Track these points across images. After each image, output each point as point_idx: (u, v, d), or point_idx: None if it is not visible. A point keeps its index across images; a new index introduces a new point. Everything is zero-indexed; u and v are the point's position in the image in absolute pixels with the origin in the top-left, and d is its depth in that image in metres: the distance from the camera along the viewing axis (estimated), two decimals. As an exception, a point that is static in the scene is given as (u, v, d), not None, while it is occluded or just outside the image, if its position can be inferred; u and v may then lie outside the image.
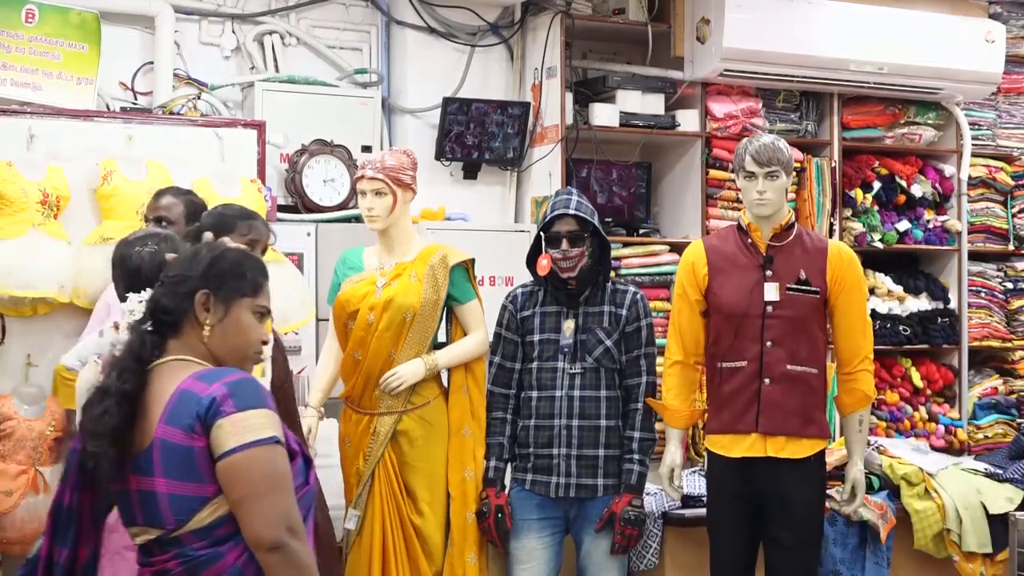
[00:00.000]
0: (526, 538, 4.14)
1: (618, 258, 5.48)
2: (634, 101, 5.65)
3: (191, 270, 2.46)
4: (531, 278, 4.27)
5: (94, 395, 2.39)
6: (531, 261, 4.22)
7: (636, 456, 4.10)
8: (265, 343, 2.54)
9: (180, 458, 2.31)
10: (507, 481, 4.26)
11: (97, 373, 3.15)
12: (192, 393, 2.32)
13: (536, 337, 4.18)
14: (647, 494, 4.57)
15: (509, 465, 4.25)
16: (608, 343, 4.13)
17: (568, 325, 4.14)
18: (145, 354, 2.41)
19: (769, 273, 4.09)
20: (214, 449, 2.30)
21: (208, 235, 2.79)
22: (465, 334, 4.29)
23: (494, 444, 4.19)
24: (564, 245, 4.08)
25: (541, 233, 4.16)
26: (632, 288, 4.23)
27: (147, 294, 3.14)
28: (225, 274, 2.47)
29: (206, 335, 2.43)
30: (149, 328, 2.44)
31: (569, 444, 4.08)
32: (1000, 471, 5.45)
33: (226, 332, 2.45)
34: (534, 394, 4.16)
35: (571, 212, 4.10)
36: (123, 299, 3.19)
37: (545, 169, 5.55)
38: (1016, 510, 5.21)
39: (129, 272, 3.19)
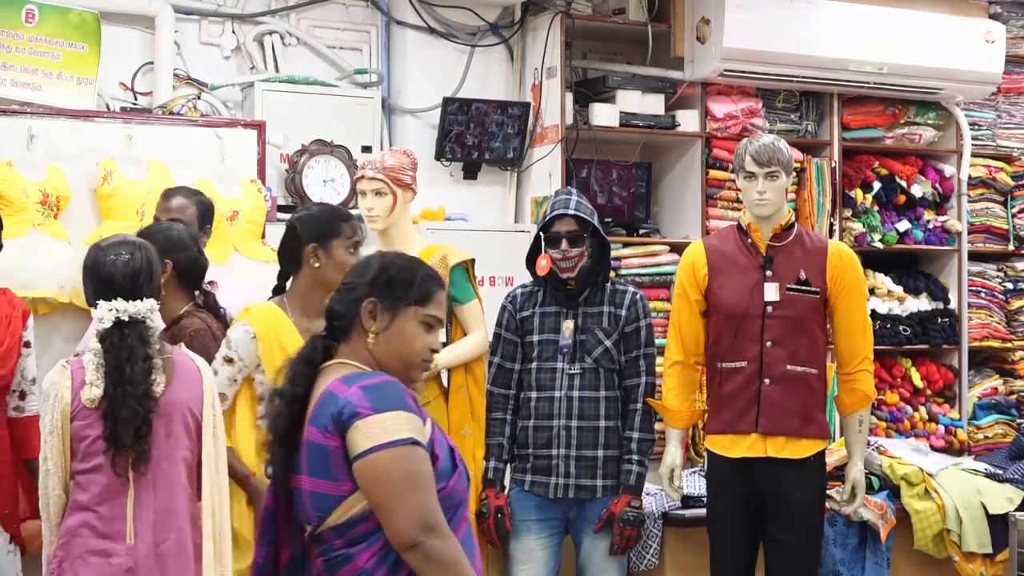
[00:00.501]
0: (525, 539, 4.14)
1: (618, 258, 5.47)
2: (634, 101, 5.65)
3: (361, 277, 2.52)
4: (531, 278, 4.27)
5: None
6: (530, 261, 4.21)
7: (635, 457, 4.10)
8: (435, 351, 2.58)
9: (319, 456, 2.37)
10: (506, 482, 4.26)
11: (61, 375, 3.16)
12: (334, 395, 2.39)
13: (535, 337, 4.18)
14: (647, 494, 4.57)
15: (508, 466, 4.24)
16: (607, 343, 4.13)
17: (567, 325, 4.14)
18: (316, 358, 2.49)
19: (769, 273, 4.09)
20: (350, 450, 2.35)
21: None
22: (465, 334, 4.29)
23: (493, 445, 4.18)
24: (564, 245, 4.07)
25: (541, 233, 4.16)
26: (631, 288, 4.22)
27: (118, 303, 3.16)
28: (393, 283, 2.51)
29: (371, 342, 2.48)
30: (323, 333, 2.52)
31: (568, 445, 4.08)
32: (1000, 471, 5.45)
33: (390, 340, 2.49)
34: (533, 395, 4.16)
35: (571, 212, 4.09)
36: (92, 304, 3.19)
37: (545, 169, 5.55)
38: (1016, 510, 5.21)
39: (101, 278, 3.18)
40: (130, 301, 3.15)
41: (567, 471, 4.08)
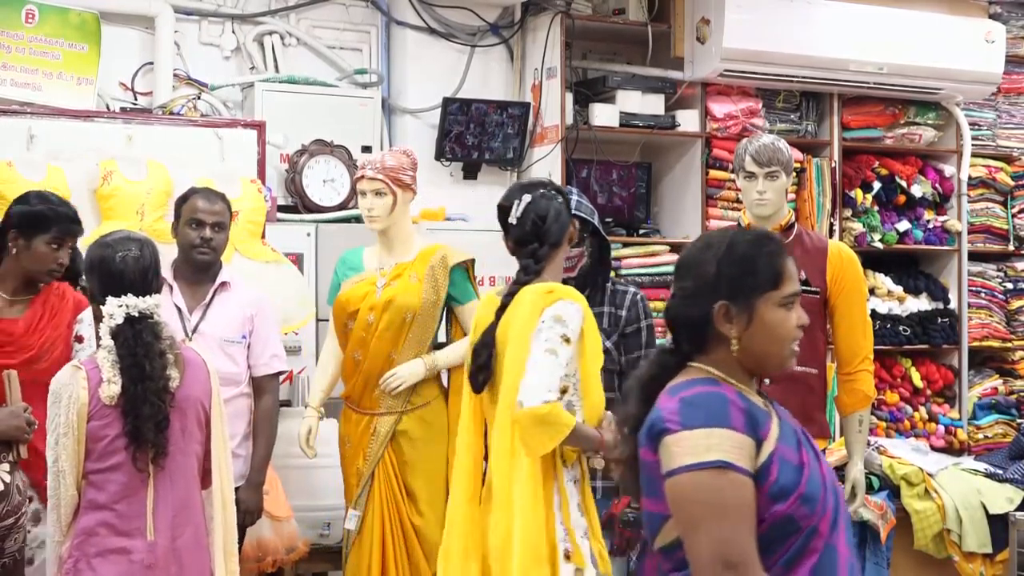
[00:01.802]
0: None
1: (618, 258, 5.47)
2: (634, 101, 5.65)
3: (700, 280, 2.22)
4: None
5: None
6: None
7: None
8: (802, 326, 2.29)
9: (648, 473, 2.20)
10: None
11: (74, 376, 3.15)
12: (656, 406, 2.20)
13: None
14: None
15: None
16: (607, 344, 4.09)
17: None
18: (665, 377, 2.25)
19: (769, 273, 4.09)
20: (662, 467, 2.14)
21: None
22: (465, 334, 4.28)
23: None
24: None
25: None
26: (632, 289, 4.19)
27: (128, 299, 3.16)
28: (736, 276, 2.21)
29: (735, 349, 2.22)
30: (669, 347, 2.27)
31: None
32: (1000, 471, 5.45)
33: (755, 339, 2.21)
34: None
35: (571, 212, 4.07)
36: (101, 301, 3.18)
37: (545, 169, 5.55)
38: (1016, 510, 5.21)
39: (112, 274, 3.18)
40: (140, 297, 3.16)
41: None
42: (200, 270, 4.05)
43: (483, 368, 3.29)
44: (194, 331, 3.98)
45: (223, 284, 4.09)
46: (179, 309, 3.99)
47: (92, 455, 3.13)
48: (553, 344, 3.15)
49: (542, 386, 3.10)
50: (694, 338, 2.23)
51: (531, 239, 3.33)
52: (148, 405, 3.09)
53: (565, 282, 4.08)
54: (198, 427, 3.25)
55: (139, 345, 3.11)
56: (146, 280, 3.20)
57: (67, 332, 3.79)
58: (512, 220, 3.35)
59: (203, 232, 4.00)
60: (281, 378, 4.31)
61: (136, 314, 3.14)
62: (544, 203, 3.33)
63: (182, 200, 4.08)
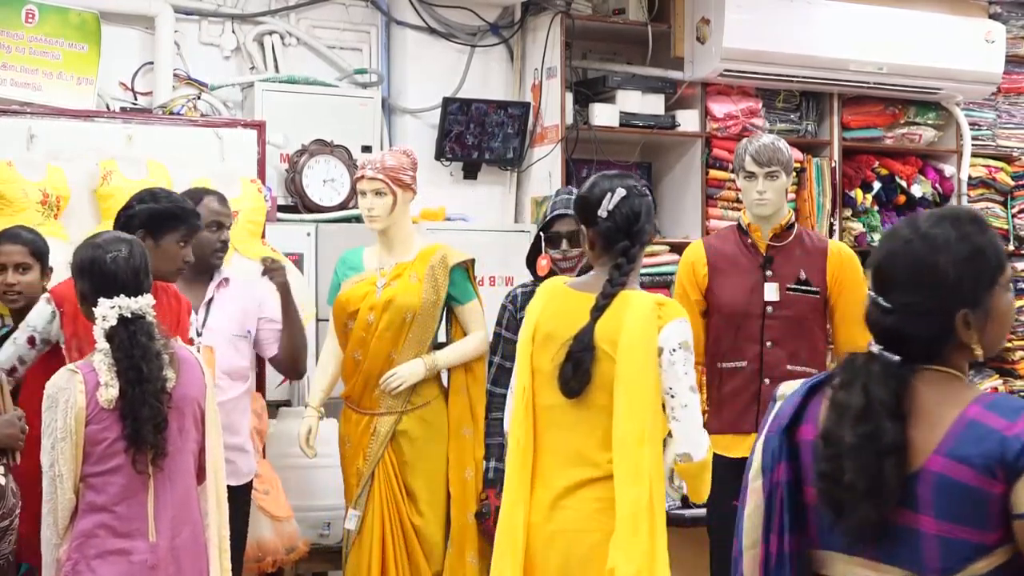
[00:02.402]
0: None
1: (618, 258, 5.47)
2: (634, 101, 5.65)
3: (936, 291, 1.95)
4: (531, 278, 4.25)
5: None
6: (531, 261, 4.17)
7: None
8: None
9: (963, 499, 1.88)
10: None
11: (71, 379, 3.14)
12: (989, 428, 1.88)
13: None
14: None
15: None
16: None
17: None
18: (903, 391, 1.96)
19: (769, 273, 4.09)
20: (1014, 503, 1.85)
21: None
22: (465, 334, 4.29)
23: (494, 445, 4.15)
24: (564, 245, 3.99)
25: (541, 233, 4.11)
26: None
27: (121, 300, 3.15)
28: (975, 276, 1.97)
29: (978, 354, 1.99)
30: (891, 358, 1.96)
31: None
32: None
33: (989, 333, 1.99)
34: None
35: (571, 212, 4.03)
36: (92, 303, 3.16)
37: (545, 169, 5.55)
38: (1016, 510, 5.21)
39: (104, 275, 3.17)
40: (132, 297, 3.14)
41: None
42: (205, 271, 4.05)
43: (583, 373, 3.04)
44: (203, 327, 3.98)
45: (224, 280, 4.10)
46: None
47: (91, 458, 3.11)
48: (692, 379, 3.06)
49: (699, 433, 3.07)
50: (928, 351, 1.98)
51: (623, 237, 3.11)
52: (147, 407, 3.07)
53: None
54: (195, 426, 3.23)
55: (135, 347, 3.09)
56: (138, 280, 3.18)
57: (184, 334, 3.71)
58: (602, 213, 3.11)
59: (223, 235, 4.01)
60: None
61: (129, 315, 3.13)
62: (638, 200, 3.13)
63: (193, 201, 4.03)
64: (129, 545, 3.10)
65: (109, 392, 3.08)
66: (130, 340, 3.10)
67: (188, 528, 3.19)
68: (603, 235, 3.12)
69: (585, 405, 3.05)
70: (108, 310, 3.13)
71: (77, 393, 3.10)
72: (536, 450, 3.11)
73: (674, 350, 3.01)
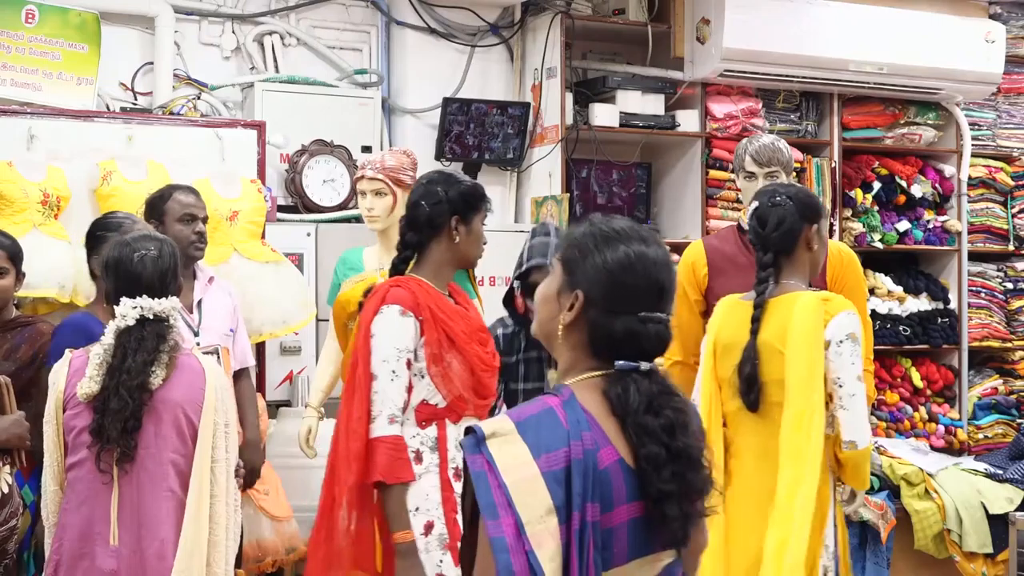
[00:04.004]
0: None
1: (618, 258, 5.47)
2: (634, 101, 5.65)
3: None
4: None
5: None
6: (508, 300, 3.98)
7: None
8: None
9: None
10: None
11: (62, 364, 3.12)
12: None
13: (520, 386, 3.93)
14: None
15: None
16: None
17: (552, 375, 3.88)
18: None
19: (769, 273, 4.08)
20: None
21: None
22: (465, 334, 4.27)
23: None
24: None
25: (517, 281, 3.88)
26: None
27: (144, 300, 3.08)
28: None
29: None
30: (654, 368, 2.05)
31: None
32: (1000, 471, 5.45)
33: None
34: None
35: (548, 262, 3.73)
36: (115, 302, 3.12)
37: (545, 169, 5.55)
38: (1016, 510, 5.22)
39: (129, 276, 3.11)
40: (156, 299, 3.09)
41: None
42: (186, 266, 4.04)
43: (756, 387, 3.28)
44: (199, 327, 3.99)
45: (210, 279, 4.11)
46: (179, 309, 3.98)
47: (67, 449, 3.06)
48: (859, 369, 3.23)
49: (865, 422, 3.21)
50: None
51: (761, 247, 3.40)
52: (117, 399, 2.99)
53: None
54: (176, 434, 3.08)
55: (139, 346, 3.04)
56: (164, 282, 3.12)
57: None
58: (745, 227, 3.48)
59: (197, 227, 4.01)
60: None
61: (151, 316, 3.07)
62: (767, 209, 3.36)
63: (160, 199, 4.04)
64: (91, 549, 3.03)
65: (90, 386, 3.02)
66: (138, 342, 3.05)
67: (157, 544, 3.03)
68: (754, 248, 3.42)
69: (766, 405, 3.27)
70: (129, 310, 3.07)
71: (61, 376, 3.08)
72: (728, 452, 3.37)
73: (841, 341, 3.19)
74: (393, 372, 3.17)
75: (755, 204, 3.38)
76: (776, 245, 3.35)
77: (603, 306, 1.96)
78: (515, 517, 1.86)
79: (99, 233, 3.79)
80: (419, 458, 3.26)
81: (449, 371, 3.23)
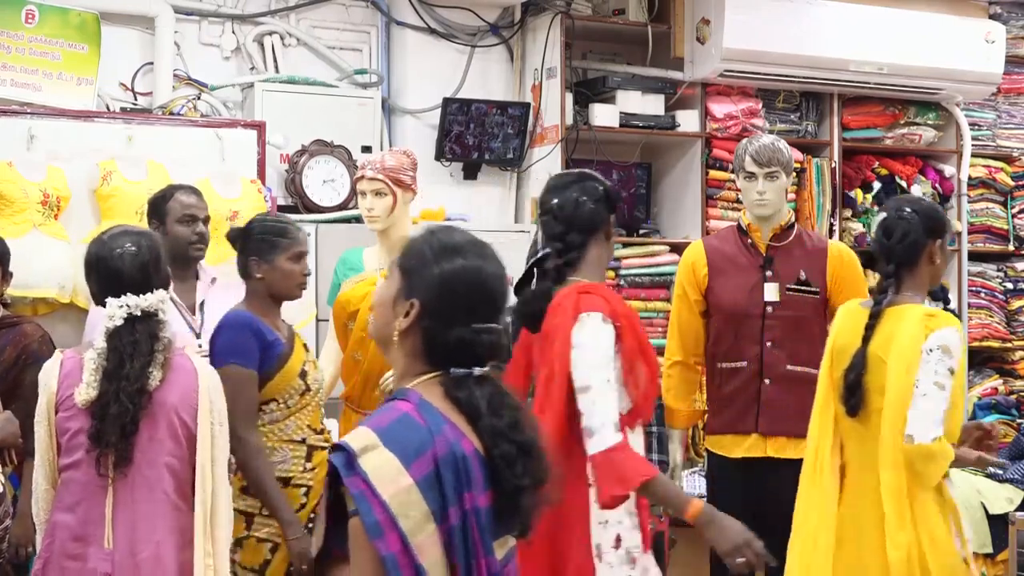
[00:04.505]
0: None
1: (618, 259, 5.48)
2: (634, 101, 5.65)
3: None
4: None
5: None
6: (519, 289, 4.00)
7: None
8: None
9: None
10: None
11: (53, 364, 3.10)
12: None
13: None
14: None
15: None
16: None
17: None
18: None
19: (769, 273, 4.09)
20: None
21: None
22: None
23: None
24: None
25: (534, 268, 3.93)
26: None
27: (129, 298, 3.01)
28: None
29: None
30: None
31: None
32: (1000, 471, 5.44)
33: None
34: None
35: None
36: (100, 303, 3.10)
37: (545, 170, 5.54)
38: (1016, 510, 5.21)
39: (109, 273, 3.09)
40: (140, 295, 3.05)
41: None
42: (188, 267, 4.04)
43: (859, 393, 3.37)
44: (201, 328, 3.98)
45: (213, 279, 4.11)
46: (179, 308, 3.98)
47: (60, 450, 3.04)
48: (941, 378, 3.27)
49: (931, 421, 3.21)
50: None
51: (884, 258, 3.45)
52: (117, 405, 2.96)
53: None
54: (170, 437, 3.05)
55: (135, 348, 3.00)
56: (145, 275, 3.08)
57: None
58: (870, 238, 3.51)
59: (197, 227, 4.00)
60: None
61: (139, 313, 3.04)
62: (893, 221, 3.42)
63: (162, 199, 4.04)
64: (84, 551, 3.00)
65: (88, 392, 2.99)
66: (132, 343, 3.01)
67: (152, 547, 3.01)
68: (877, 259, 3.48)
69: (868, 411, 3.35)
70: (116, 310, 3.04)
71: (51, 378, 3.05)
72: (842, 452, 3.46)
73: (931, 350, 3.28)
74: (607, 380, 3.09)
75: (882, 215, 3.45)
76: (899, 257, 3.41)
77: (438, 316, 2.03)
78: (399, 532, 1.91)
79: (261, 235, 3.69)
80: None
81: (639, 378, 3.20)
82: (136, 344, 3.01)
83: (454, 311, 2.04)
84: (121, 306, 3.04)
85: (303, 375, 3.65)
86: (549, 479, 2.08)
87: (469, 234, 2.16)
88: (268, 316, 3.63)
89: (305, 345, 3.78)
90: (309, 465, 3.64)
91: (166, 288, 3.16)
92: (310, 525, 3.58)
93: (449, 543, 1.94)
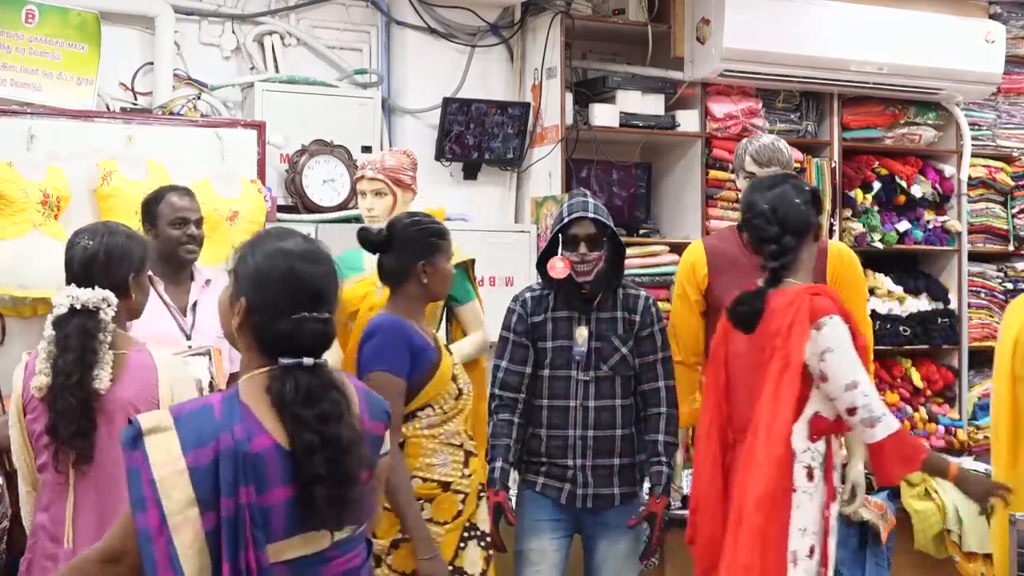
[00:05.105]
0: (539, 539, 4.02)
1: (618, 258, 5.47)
2: (634, 101, 5.65)
3: None
4: (530, 280, 4.21)
5: None
6: (541, 263, 4.06)
7: (663, 459, 3.98)
8: None
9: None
10: (511, 484, 4.20)
11: (19, 366, 3.10)
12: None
13: (549, 344, 4.01)
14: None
15: (515, 469, 4.16)
16: (624, 350, 4.02)
17: (581, 332, 3.98)
18: None
19: (769, 273, 4.08)
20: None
21: None
22: (465, 334, 4.28)
23: (500, 445, 4.00)
24: (583, 248, 3.91)
25: (559, 235, 3.98)
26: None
27: (72, 289, 3.01)
28: None
29: None
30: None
31: (584, 455, 3.97)
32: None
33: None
34: (545, 403, 4.02)
35: (590, 215, 3.92)
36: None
37: (545, 170, 5.55)
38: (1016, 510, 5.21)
39: (65, 264, 3.12)
40: (83, 288, 3.04)
41: (584, 480, 3.98)
42: (181, 268, 4.04)
43: None
44: (192, 330, 3.98)
45: (207, 281, 4.09)
46: (170, 309, 3.97)
47: (35, 452, 3.05)
48: None
49: None
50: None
51: None
52: (61, 400, 2.96)
53: (580, 286, 4.00)
54: None
55: (68, 340, 2.99)
56: (88, 272, 3.07)
57: None
58: None
59: (188, 229, 4.00)
60: None
61: (78, 306, 3.02)
62: None
63: (154, 201, 4.02)
64: (56, 551, 3.01)
65: (40, 379, 3.00)
66: (65, 335, 3.00)
67: None
68: None
69: None
70: (63, 298, 3.05)
71: (18, 379, 3.07)
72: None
73: None
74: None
75: None
76: None
77: (261, 310, 2.20)
78: (160, 511, 2.08)
79: (428, 237, 3.64)
80: (810, 475, 3.38)
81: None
82: (67, 338, 3.00)
83: (275, 304, 2.19)
84: (68, 295, 3.05)
85: (454, 378, 3.61)
86: (361, 474, 2.18)
87: (293, 232, 2.30)
88: (416, 320, 3.58)
89: (447, 347, 3.74)
90: (467, 471, 3.59)
91: (119, 292, 3.10)
92: (467, 533, 3.58)
93: (217, 533, 2.07)
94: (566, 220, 3.94)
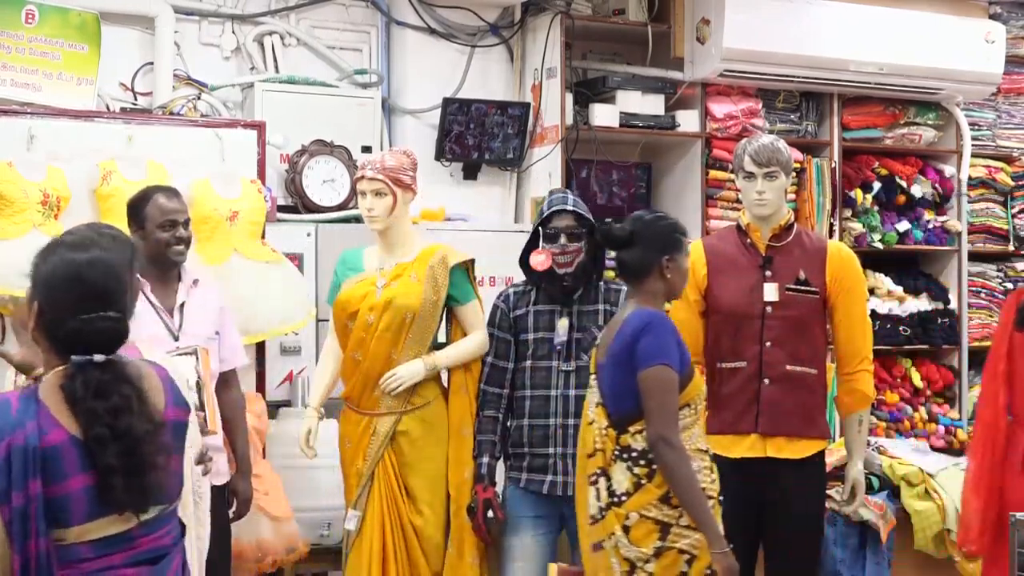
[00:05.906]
0: (523, 535, 4.13)
1: (618, 258, 5.47)
2: (634, 101, 5.65)
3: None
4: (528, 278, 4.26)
5: None
6: (524, 260, 4.20)
7: None
8: None
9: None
10: (500, 480, 4.24)
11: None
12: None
13: (530, 336, 4.17)
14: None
15: (502, 464, 4.23)
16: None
17: (562, 323, 4.13)
18: None
19: (768, 273, 4.09)
20: None
21: None
22: (465, 334, 4.29)
23: (485, 441, 4.16)
24: (563, 240, 4.07)
25: (539, 228, 4.14)
26: (625, 287, 4.17)
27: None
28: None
29: None
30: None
31: (565, 443, 4.07)
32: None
33: None
34: (527, 393, 4.15)
35: (569, 208, 4.11)
36: None
37: (545, 170, 5.55)
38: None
39: None
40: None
41: (564, 469, 4.07)
42: (169, 269, 4.02)
43: None
44: (179, 330, 3.96)
45: (195, 281, 4.08)
46: (157, 310, 3.95)
47: None
48: None
49: None
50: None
51: None
52: None
53: (561, 278, 4.08)
54: None
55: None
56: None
57: None
58: None
59: (177, 231, 3.98)
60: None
61: None
62: None
63: (141, 202, 3.99)
64: None
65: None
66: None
67: None
68: None
69: None
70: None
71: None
72: None
73: None
74: None
75: None
76: None
77: (51, 312, 2.32)
78: None
79: (675, 233, 3.59)
80: None
81: None
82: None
83: (62, 304, 2.31)
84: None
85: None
86: (159, 460, 2.30)
87: (85, 236, 2.40)
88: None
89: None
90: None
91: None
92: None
93: (10, 522, 2.19)
94: (546, 214, 4.11)
